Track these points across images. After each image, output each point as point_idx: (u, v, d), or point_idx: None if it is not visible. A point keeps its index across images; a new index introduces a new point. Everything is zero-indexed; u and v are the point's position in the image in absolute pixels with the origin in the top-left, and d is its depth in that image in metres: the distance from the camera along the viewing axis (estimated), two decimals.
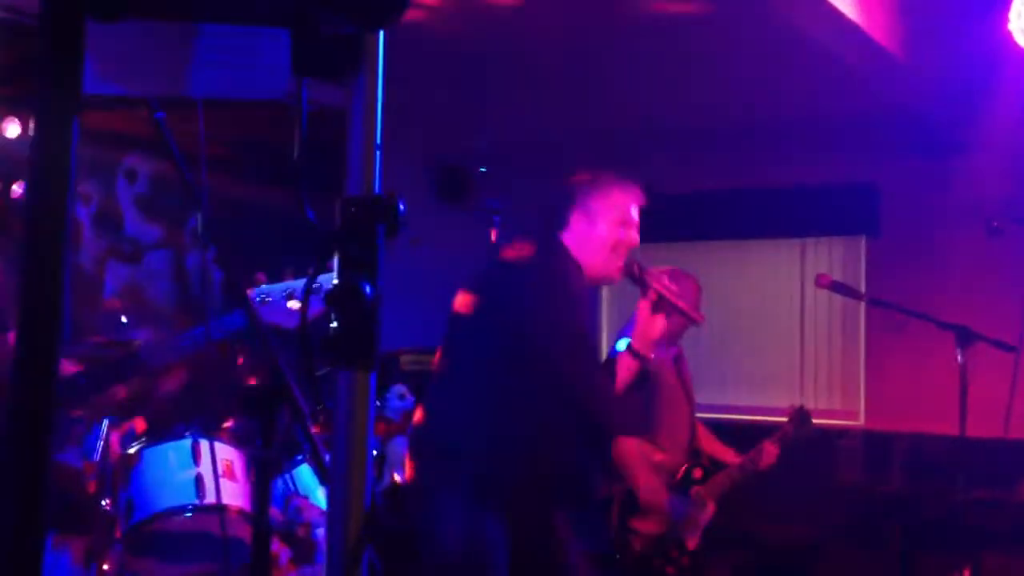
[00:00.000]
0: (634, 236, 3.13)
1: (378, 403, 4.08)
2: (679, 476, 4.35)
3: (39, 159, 0.83)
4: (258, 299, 2.09)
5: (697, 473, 4.39)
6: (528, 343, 2.93)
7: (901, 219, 5.89)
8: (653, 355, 3.17)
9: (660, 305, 3.09)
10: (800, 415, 4.54)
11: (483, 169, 5.88)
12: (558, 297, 2.99)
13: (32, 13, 3.89)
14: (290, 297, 2.11)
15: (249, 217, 4.54)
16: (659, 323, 3.10)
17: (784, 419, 4.59)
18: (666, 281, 3.09)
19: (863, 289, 5.72)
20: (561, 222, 3.15)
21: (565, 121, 5.91)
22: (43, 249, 0.84)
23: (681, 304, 3.10)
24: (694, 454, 4.46)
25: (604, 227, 3.09)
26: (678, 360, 4.55)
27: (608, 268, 3.09)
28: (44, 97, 0.83)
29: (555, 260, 3.07)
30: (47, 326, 0.84)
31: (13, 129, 4.19)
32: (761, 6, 4.16)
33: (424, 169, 6.16)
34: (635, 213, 3.16)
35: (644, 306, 3.09)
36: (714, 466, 4.45)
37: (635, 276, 3.08)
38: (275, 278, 2.14)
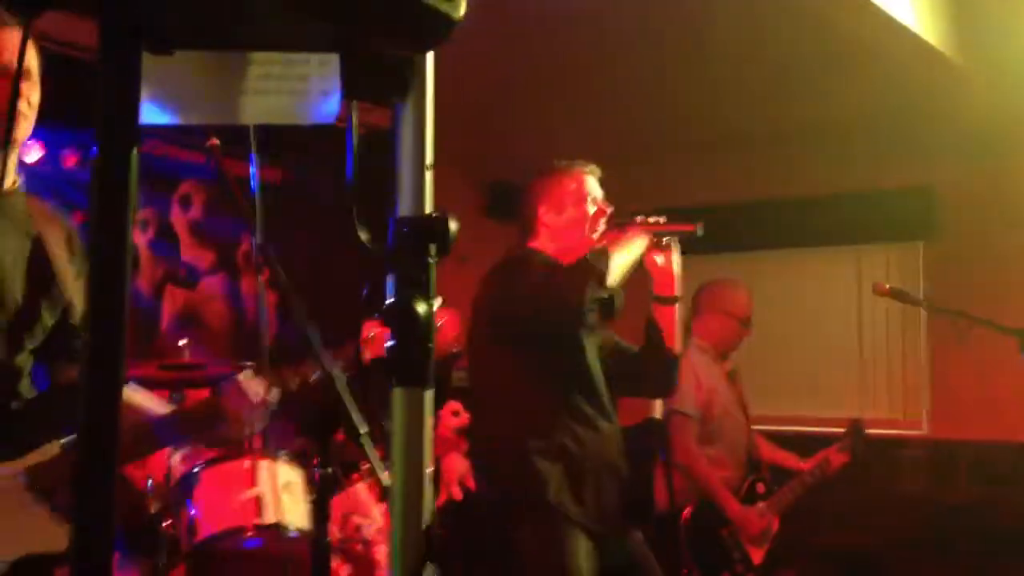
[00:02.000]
0: (603, 207, 3.15)
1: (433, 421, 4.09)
2: (743, 492, 4.32)
3: (100, 188, 0.85)
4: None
5: (760, 488, 4.35)
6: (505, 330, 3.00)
7: (959, 223, 5.78)
8: (680, 292, 3.15)
9: (658, 244, 3.09)
10: (856, 428, 4.49)
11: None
12: (511, 283, 3.03)
13: (83, 46, 3.98)
14: None
15: (305, 240, 4.60)
16: (668, 260, 3.11)
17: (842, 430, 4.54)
18: (639, 219, 3.08)
19: (921, 295, 5.62)
20: (530, 227, 3.21)
21: (613, 133, 5.90)
22: (106, 276, 0.86)
23: (670, 226, 3.09)
24: (754, 467, 4.43)
25: (572, 211, 3.15)
26: (733, 376, 4.53)
27: (585, 247, 3.09)
28: (104, 128, 0.85)
29: (507, 261, 3.14)
30: (112, 351, 0.86)
31: (70, 160, 4.29)
32: (811, 10, 4.13)
33: (472, 186, 6.19)
34: (595, 188, 3.19)
35: (648, 254, 3.10)
36: (776, 478, 4.41)
37: (623, 230, 3.08)
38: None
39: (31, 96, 2.04)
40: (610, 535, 3.05)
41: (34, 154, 3.86)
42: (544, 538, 2.94)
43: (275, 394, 2.03)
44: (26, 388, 2.03)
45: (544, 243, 3.19)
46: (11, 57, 1.89)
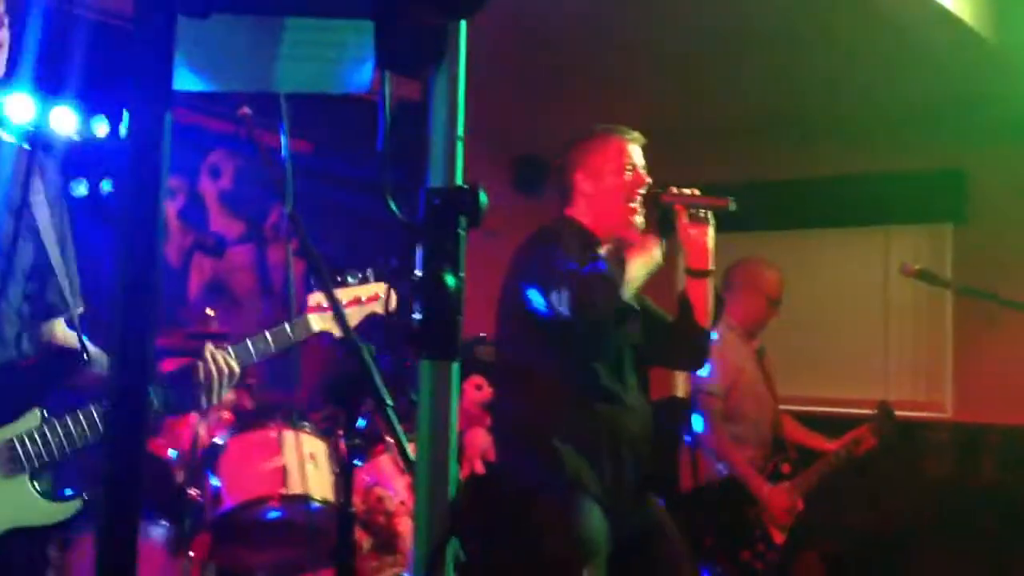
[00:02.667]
0: (642, 177, 3.08)
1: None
2: (767, 471, 4.31)
3: (132, 155, 0.85)
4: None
5: (785, 468, 4.33)
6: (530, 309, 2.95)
7: (988, 205, 5.71)
8: (713, 265, 3.11)
9: (694, 216, 3.03)
10: (885, 411, 4.46)
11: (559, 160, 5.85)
12: (532, 258, 2.99)
13: (120, 14, 3.99)
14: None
15: (334, 211, 4.61)
16: (703, 233, 3.05)
17: (870, 412, 4.52)
18: (675, 191, 3.03)
19: (949, 277, 5.57)
20: (567, 195, 3.14)
21: (644, 110, 5.86)
22: (137, 242, 0.86)
23: (704, 199, 3.03)
24: (780, 447, 4.41)
25: (610, 180, 3.07)
26: (761, 354, 4.50)
27: (627, 217, 3.05)
28: (136, 94, 0.85)
29: (539, 233, 3.07)
30: (142, 318, 0.86)
31: (103, 128, 4.31)
32: None
33: (500, 160, 6.17)
34: (637, 155, 3.11)
35: (682, 226, 3.05)
36: (802, 458, 4.39)
37: (657, 204, 3.02)
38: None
39: None
40: (626, 508, 3.05)
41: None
42: (559, 508, 2.95)
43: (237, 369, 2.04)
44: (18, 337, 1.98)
45: (581, 211, 3.13)
46: None
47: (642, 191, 3.05)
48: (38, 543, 2.01)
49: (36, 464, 1.88)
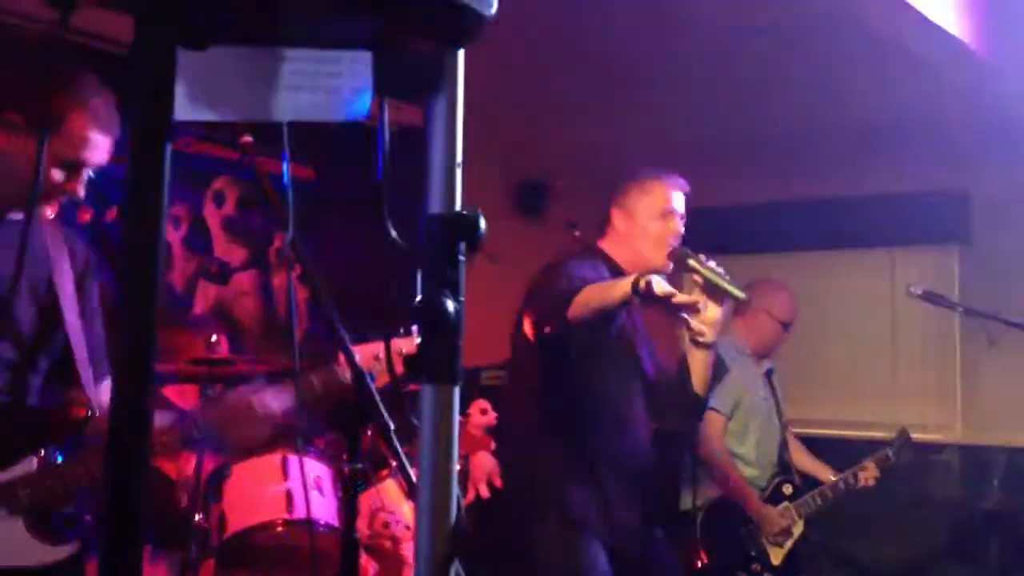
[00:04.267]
0: (676, 226, 3.14)
1: (461, 419, 4.10)
2: (768, 492, 4.30)
3: (133, 184, 0.86)
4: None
5: (786, 489, 4.32)
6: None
7: (994, 227, 5.71)
8: (716, 339, 3.11)
9: (711, 291, 3.02)
10: (903, 441, 4.44)
11: (560, 183, 5.89)
12: (546, 289, 2.99)
13: (119, 41, 4.02)
14: None
15: (335, 237, 4.62)
16: (715, 308, 3.04)
17: (882, 434, 4.50)
18: (705, 260, 3.03)
19: (957, 299, 5.56)
20: (603, 225, 3.22)
21: (647, 133, 5.88)
22: (138, 271, 0.87)
23: (726, 284, 3.00)
24: (784, 468, 4.40)
25: (643, 221, 3.15)
26: (769, 375, 4.50)
27: (653, 261, 3.10)
28: (137, 124, 0.86)
29: (561, 262, 3.08)
30: (143, 345, 0.86)
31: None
32: (845, 10, 4.09)
33: (502, 184, 6.18)
34: (677, 203, 3.18)
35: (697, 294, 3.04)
36: (807, 483, 4.39)
37: (680, 263, 3.06)
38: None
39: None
40: (630, 545, 3.06)
41: None
42: (563, 541, 2.95)
43: (285, 407, 2.02)
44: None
45: (612, 246, 3.21)
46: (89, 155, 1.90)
47: (674, 242, 3.12)
48: None
49: (30, 508, 1.89)
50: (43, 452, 1.91)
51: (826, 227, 6.17)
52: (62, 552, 1.91)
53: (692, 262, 3.02)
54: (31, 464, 1.90)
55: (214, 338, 3.57)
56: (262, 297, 4.64)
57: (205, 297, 4.64)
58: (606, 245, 3.21)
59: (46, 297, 2.04)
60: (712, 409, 4.21)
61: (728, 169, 6.17)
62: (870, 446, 4.54)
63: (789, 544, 4.24)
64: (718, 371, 3.96)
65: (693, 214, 3.23)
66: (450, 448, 1.18)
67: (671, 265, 3.11)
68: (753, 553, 4.18)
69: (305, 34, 0.95)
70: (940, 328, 5.94)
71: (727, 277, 2.99)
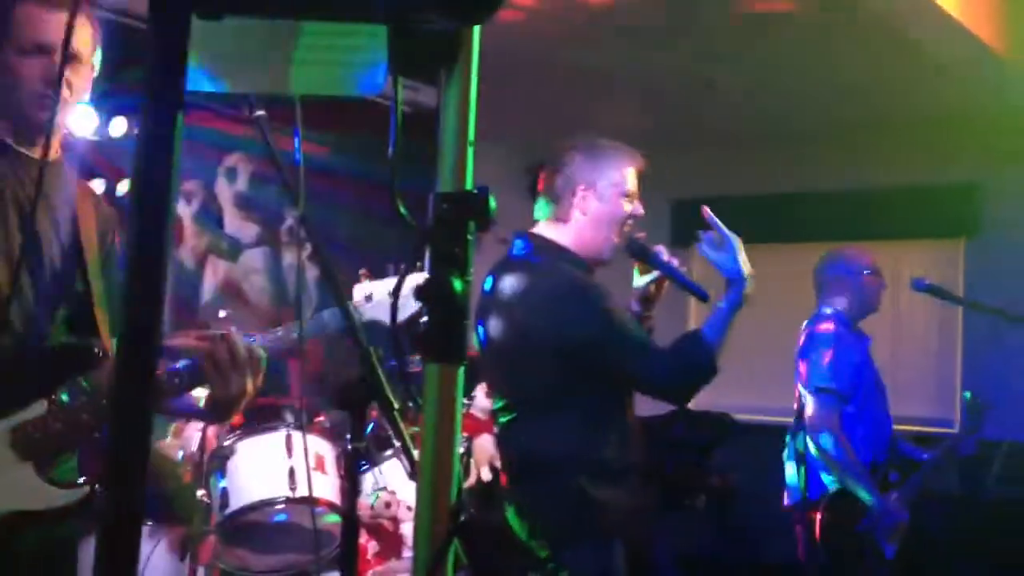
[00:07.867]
0: (638, 208, 2.81)
1: (466, 401, 4.11)
2: (878, 480, 3.87)
3: (144, 156, 0.86)
4: (364, 296, 2.10)
5: (892, 476, 3.93)
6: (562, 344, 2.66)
7: (1001, 220, 5.69)
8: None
9: (668, 280, 2.79)
10: (974, 401, 4.14)
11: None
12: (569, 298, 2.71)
13: (135, 14, 4.01)
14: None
15: (347, 215, 4.62)
16: (658, 292, 2.83)
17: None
18: (665, 252, 2.76)
19: (962, 293, 5.53)
20: (563, 209, 2.81)
21: (660, 118, 5.87)
22: (146, 244, 0.86)
23: (685, 284, 2.74)
24: (894, 453, 4.00)
25: (612, 203, 2.77)
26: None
27: (605, 245, 2.78)
28: (150, 95, 0.85)
29: (546, 265, 2.77)
30: (149, 319, 0.86)
31: (119, 128, 4.34)
32: (861, 4, 4.07)
33: (514, 166, 6.16)
34: (634, 182, 2.81)
35: (657, 281, 2.82)
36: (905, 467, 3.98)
37: (637, 252, 2.77)
38: (378, 275, 2.14)
39: (75, 81, 2.01)
40: (643, 543, 2.95)
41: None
42: (599, 564, 2.69)
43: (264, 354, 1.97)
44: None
45: (570, 234, 2.78)
46: (59, 39, 1.86)
47: (631, 223, 2.81)
48: (58, 536, 2.00)
49: (41, 451, 1.89)
50: (53, 396, 1.91)
51: (834, 219, 6.14)
52: (73, 495, 1.91)
53: (661, 258, 2.74)
54: (42, 407, 1.91)
55: (222, 314, 3.58)
56: (272, 275, 4.64)
57: (214, 273, 4.65)
58: (563, 236, 2.80)
59: (70, 237, 2.04)
60: (826, 391, 3.85)
61: (736, 161, 6.16)
62: (962, 428, 4.37)
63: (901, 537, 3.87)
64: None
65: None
66: (453, 428, 1.17)
67: (613, 253, 2.80)
68: (869, 551, 3.81)
69: (322, 7, 0.94)
70: (943, 321, 5.92)
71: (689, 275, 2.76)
